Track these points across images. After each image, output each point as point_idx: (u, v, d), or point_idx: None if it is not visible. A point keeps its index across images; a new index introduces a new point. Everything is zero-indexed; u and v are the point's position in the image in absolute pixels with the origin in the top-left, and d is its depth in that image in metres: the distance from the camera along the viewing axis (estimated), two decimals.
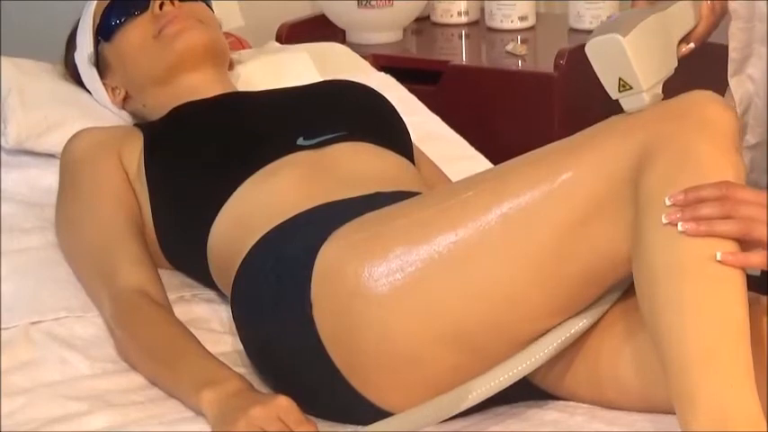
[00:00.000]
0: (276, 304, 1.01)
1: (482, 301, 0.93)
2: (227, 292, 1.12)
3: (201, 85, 1.25)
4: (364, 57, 1.57)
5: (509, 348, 0.95)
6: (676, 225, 0.86)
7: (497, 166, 0.99)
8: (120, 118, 1.32)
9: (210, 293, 1.19)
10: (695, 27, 1.02)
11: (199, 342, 1.04)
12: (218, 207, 1.14)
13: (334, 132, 1.19)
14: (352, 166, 1.15)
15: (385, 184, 1.12)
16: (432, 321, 0.94)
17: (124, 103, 1.32)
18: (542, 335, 0.95)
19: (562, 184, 0.91)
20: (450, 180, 1.28)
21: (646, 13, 0.97)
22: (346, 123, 1.21)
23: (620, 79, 0.93)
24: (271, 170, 1.14)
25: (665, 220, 0.86)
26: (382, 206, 1.01)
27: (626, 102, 0.94)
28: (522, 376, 0.94)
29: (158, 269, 1.15)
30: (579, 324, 0.95)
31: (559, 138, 0.96)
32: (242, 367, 1.06)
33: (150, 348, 1.05)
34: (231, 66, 1.36)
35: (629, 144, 0.90)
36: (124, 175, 1.20)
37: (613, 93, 0.94)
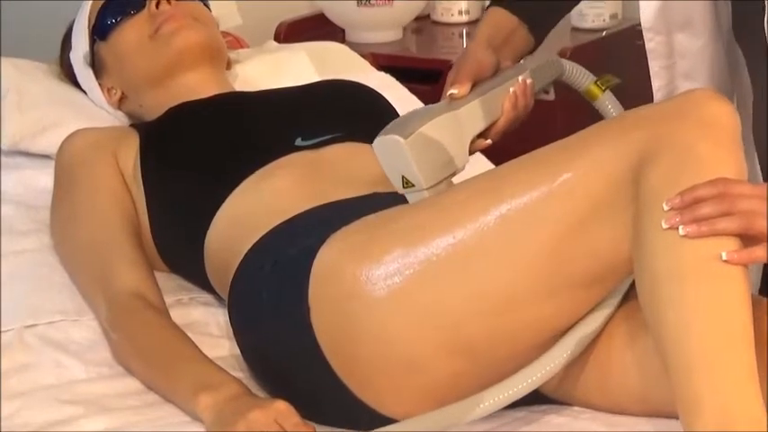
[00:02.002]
0: (273, 307, 1.02)
1: (481, 305, 0.93)
2: (225, 296, 1.12)
3: (198, 85, 1.25)
4: (363, 56, 1.58)
5: (511, 354, 0.95)
6: (677, 229, 0.86)
7: (496, 167, 0.99)
8: (116, 118, 1.33)
9: (208, 297, 1.19)
10: (496, 122, 1.04)
11: (196, 346, 1.04)
12: (215, 208, 1.14)
13: (332, 133, 1.19)
14: (351, 166, 1.16)
15: (383, 186, 1.11)
16: (430, 326, 0.94)
17: (120, 103, 1.32)
18: (544, 340, 0.95)
19: (562, 185, 0.91)
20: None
21: (438, 111, 1.00)
22: (345, 124, 1.21)
23: (402, 176, 0.97)
24: (268, 171, 1.14)
25: (665, 225, 0.86)
26: (380, 207, 1.01)
27: (410, 197, 0.99)
28: (535, 387, 0.94)
29: (155, 272, 1.15)
30: (589, 329, 0.95)
31: (562, 138, 0.96)
32: (239, 371, 1.07)
33: (147, 352, 1.05)
34: (229, 65, 1.36)
35: (630, 144, 0.90)
36: (120, 176, 1.20)
37: (398, 187, 0.99)
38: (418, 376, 0.95)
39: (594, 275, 0.93)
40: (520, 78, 1.05)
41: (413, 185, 0.98)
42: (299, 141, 1.18)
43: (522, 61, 1.09)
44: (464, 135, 1.01)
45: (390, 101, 1.29)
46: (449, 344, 0.94)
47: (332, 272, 0.97)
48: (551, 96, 1.13)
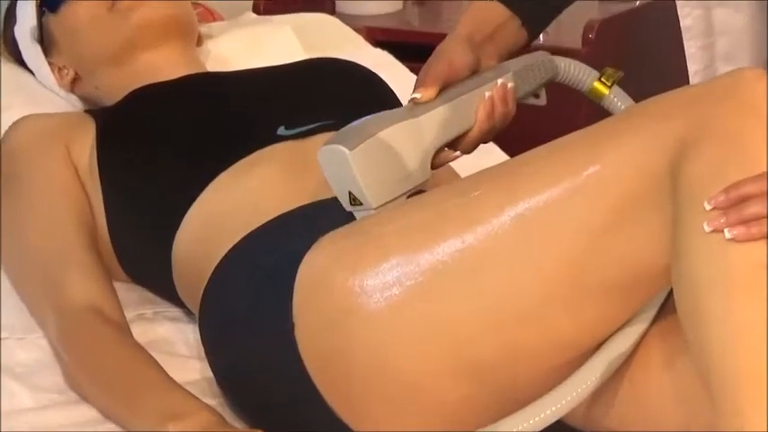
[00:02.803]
0: (252, 323, 1.02)
1: (494, 320, 0.93)
2: (195, 310, 1.12)
3: (164, 65, 1.25)
4: (357, 30, 1.58)
5: (528, 378, 0.95)
6: (722, 231, 0.86)
7: (512, 159, 0.99)
8: (69, 103, 1.33)
9: (175, 311, 1.19)
10: (468, 131, 1.03)
11: (161, 368, 1.04)
12: (183, 209, 1.14)
13: (320, 120, 1.19)
14: None
15: None
16: (435, 344, 0.94)
17: (73, 85, 1.32)
18: (567, 361, 0.95)
19: (587, 181, 0.91)
20: (457, 175, 1.29)
21: (396, 118, 0.99)
22: (335, 110, 1.21)
23: (350, 193, 0.97)
24: (246, 165, 1.15)
25: (707, 228, 0.86)
26: None
27: (358, 215, 0.98)
28: (558, 417, 0.94)
29: (113, 282, 1.15)
30: (620, 348, 0.95)
31: (587, 125, 0.96)
32: (212, 398, 1.07)
33: (104, 376, 1.05)
34: (200, 41, 1.36)
35: (666, 131, 0.90)
36: (73, 170, 1.21)
37: (346, 205, 0.99)
38: (421, 403, 0.95)
39: (626, 286, 0.93)
40: (499, 81, 1.04)
41: (360, 203, 0.97)
42: (281, 130, 1.18)
43: (506, 62, 1.07)
44: (425, 147, 1.00)
45: (388, 82, 1.29)
46: (456, 365, 0.94)
47: (320, 281, 0.97)
48: (543, 101, 1.12)
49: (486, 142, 1.06)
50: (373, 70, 1.30)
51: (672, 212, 0.89)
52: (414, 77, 1.47)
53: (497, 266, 0.93)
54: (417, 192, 1.01)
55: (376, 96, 1.26)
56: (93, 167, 1.20)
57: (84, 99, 1.33)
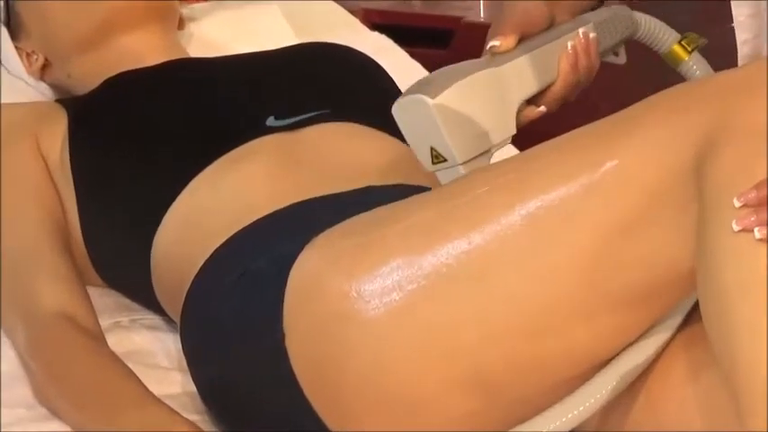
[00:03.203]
0: (239, 332, 1.01)
1: (503, 329, 0.93)
2: (176, 317, 1.12)
3: (142, 50, 1.26)
4: (353, 12, 1.58)
5: (539, 390, 0.95)
6: (752, 231, 0.86)
7: (522, 153, 0.99)
8: (38, 92, 1.33)
9: (154, 318, 1.19)
10: (551, 86, 1.03)
11: (140, 381, 1.04)
12: (164, 207, 1.14)
13: (313, 110, 1.19)
14: (337, 153, 1.16)
15: (379, 176, 1.12)
16: (438, 354, 0.94)
17: (43, 72, 1.32)
18: (581, 373, 0.95)
19: (605, 177, 0.90)
20: None
21: (475, 67, 0.99)
22: (330, 99, 1.21)
23: (431, 149, 0.96)
24: (232, 159, 1.14)
25: (736, 227, 0.85)
26: (375, 205, 1.01)
27: (441, 175, 0.98)
28: (569, 428, 0.94)
29: (87, 287, 1.15)
30: (638, 359, 0.95)
31: (606, 116, 0.96)
32: (194, 413, 1.07)
33: (77, 390, 1.05)
34: (181, 24, 1.36)
35: (691, 123, 0.89)
36: (43, 164, 1.21)
37: (427, 165, 0.98)
38: (422, 418, 0.95)
39: (647, 291, 0.93)
40: (581, 32, 1.04)
41: (444, 160, 0.96)
42: (271, 121, 1.18)
43: (585, 14, 1.08)
44: (509, 99, 1.01)
45: (387, 68, 1.29)
46: (461, 377, 0.94)
47: (313, 286, 0.97)
48: (622, 60, 1.12)
49: (569, 99, 1.06)
50: (370, 56, 1.30)
51: (697, 211, 0.89)
52: (414, 63, 1.49)
53: (506, 270, 0.92)
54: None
55: (374, 84, 1.26)
56: (65, 162, 1.20)
57: (54, 87, 1.33)
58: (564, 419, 0.94)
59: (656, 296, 0.94)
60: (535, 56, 1.02)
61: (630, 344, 0.96)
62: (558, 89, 1.05)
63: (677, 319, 0.97)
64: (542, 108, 1.04)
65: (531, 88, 1.02)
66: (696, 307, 0.95)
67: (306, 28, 1.45)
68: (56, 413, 1.06)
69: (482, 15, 1.66)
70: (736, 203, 0.86)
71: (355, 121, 1.20)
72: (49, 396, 1.07)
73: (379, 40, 1.50)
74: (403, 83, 1.28)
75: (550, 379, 0.94)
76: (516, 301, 0.92)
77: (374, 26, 1.56)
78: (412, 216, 0.96)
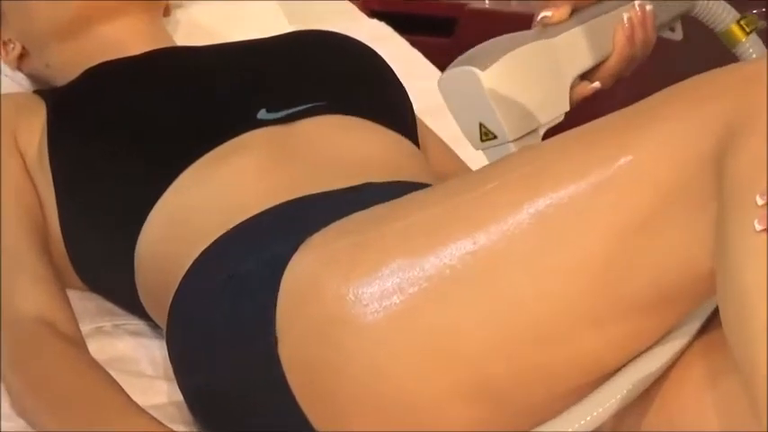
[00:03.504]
0: (229, 338, 1.01)
1: (510, 335, 0.93)
2: (162, 322, 1.12)
3: (125, 38, 1.26)
4: None
5: (547, 399, 0.95)
6: None
7: (531, 147, 0.99)
8: (15, 82, 1.33)
9: (139, 324, 1.19)
10: (606, 60, 1.03)
11: (123, 391, 1.04)
12: (148, 205, 1.14)
13: (308, 102, 1.19)
14: (333, 147, 1.16)
15: (377, 173, 1.12)
16: (441, 361, 0.93)
17: (20, 62, 1.32)
18: (592, 381, 0.95)
19: (618, 173, 0.90)
20: (466, 167, 1.28)
21: (527, 39, 0.99)
22: (325, 90, 1.21)
23: (480, 125, 0.96)
24: (221, 154, 1.14)
25: (758, 227, 0.85)
26: (373, 202, 1.01)
27: (489, 153, 0.98)
28: None
29: (67, 290, 1.15)
30: (651, 366, 0.95)
31: (622, 108, 0.95)
32: (181, 425, 1.07)
33: (57, 400, 1.05)
34: (167, 11, 1.36)
35: (712, 116, 0.89)
36: (21, 161, 1.21)
37: (475, 143, 0.98)
38: (422, 428, 0.95)
39: (662, 296, 0.93)
40: (637, 4, 1.04)
41: (493, 137, 0.96)
42: (263, 114, 1.18)
43: None
44: (562, 73, 1.01)
45: (386, 58, 1.29)
46: (465, 386, 0.94)
47: (308, 289, 0.96)
48: (678, 35, 1.13)
49: (624, 75, 1.06)
50: (369, 44, 1.30)
51: (716, 209, 0.89)
52: (416, 53, 1.49)
53: (513, 272, 0.92)
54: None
55: (372, 74, 1.26)
56: (44, 157, 1.20)
57: (32, 78, 1.33)
58: (570, 431, 0.93)
59: (673, 301, 0.93)
60: (589, 28, 1.02)
61: (644, 351, 0.96)
62: (613, 64, 1.05)
63: (695, 325, 0.97)
64: (596, 84, 1.05)
65: (585, 62, 1.03)
66: (716, 311, 0.95)
67: (300, 15, 1.45)
68: (34, 425, 1.06)
69: (487, 2, 1.67)
70: (759, 201, 0.86)
71: (353, 114, 1.20)
72: (26, 407, 1.07)
73: (378, 27, 1.50)
74: (403, 73, 1.28)
75: (558, 388, 0.94)
76: (523, 306, 0.92)
77: (373, 13, 1.56)
78: (413, 214, 0.96)
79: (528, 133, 0.97)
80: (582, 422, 0.94)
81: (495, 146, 0.97)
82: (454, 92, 0.97)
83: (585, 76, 1.04)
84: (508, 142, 0.96)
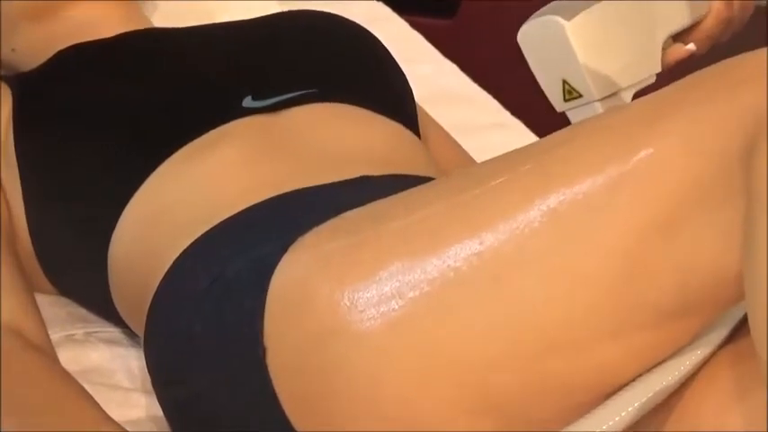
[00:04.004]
0: (212, 347, 1.01)
1: (519, 342, 0.93)
2: (139, 330, 1.12)
3: (98, 20, 1.26)
4: None
5: (557, 414, 0.95)
6: None
7: (543, 138, 0.99)
8: None
9: (113, 331, 1.20)
10: (700, 22, 1.04)
11: (97, 404, 1.04)
12: (124, 199, 1.14)
13: (298, 89, 1.20)
14: (326, 138, 1.16)
15: (374, 165, 1.12)
16: (443, 371, 0.94)
17: None
18: (606, 395, 0.95)
19: (638, 167, 0.90)
20: (471, 159, 1.29)
21: None
22: (317, 76, 1.21)
23: (564, 82, 0.97)
24: (203, 144, 1.15)
25: None
26: (370, 198, 1.01)
27: (573, 114, 0.98)
28: None
29: (35, 295, 1.15)
30: (668, 377, 0.95)
31: (637, 97, 0.95)
32: None
33: (25, 414, 1.04)
34: None
35: (739, 104, 0.89)
36: None
37: (557, 102, 0.98)
38: None
39: (686, 301, 0.93)
40: None
41: (578, 95, 0.97)
42: (248, 101, 1.18)
43: None
44: (654, 31, 1.01)
45: (383, 40, 1.29)
46: (470, 398, 0.94)
47: (299, 295, 0.97)
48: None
49: (720, 40, 1.06)
50: (365, 26, 1.30)
51: (744, 206, 0.89)
52: (415, 34, 1.49)
53: (523, 275, 0.92)
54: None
55: (369, 58, 1.26)
56: (10, 149, 1.20)
57: None
58: None
59: (697, 307, 0.93)
60: None
61: (665, 359, 0.96)
62: (709, 25, 1.05)
63: (721, 333, 0.97)
64: (691, 46, 1.05)
65: (680, 21, 1.03)
66: (745, 319, 0.95)
67: None
68: None
69: None
70: None
71: (347, 102, 1.20)
72: None
73: (375, 7, 1.50)
74: (402, 57, 1.28)
75: (570, 400, 0.95)
76: (534, 311, 0.92)
77: None
78: (414, 212, 0.96)
79: (616, 93, 0.97)
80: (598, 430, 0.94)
81: (579, 105, 0.97)
82: (536, 45, 0.97)
83: (679, 37, 1.04)
84: (594, 101, 0.96)
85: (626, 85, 0.98)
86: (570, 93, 0.97)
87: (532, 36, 0.97)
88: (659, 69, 1.01)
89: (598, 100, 0.96)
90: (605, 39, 0.96)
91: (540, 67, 0.98)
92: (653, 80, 1.00)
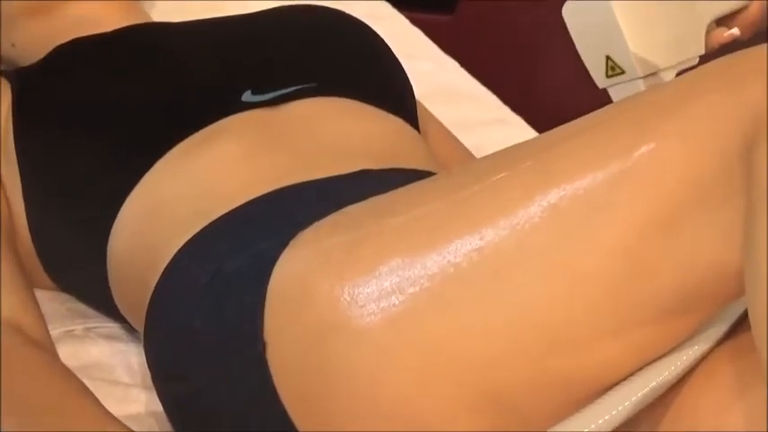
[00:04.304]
0: (212, 342, 1.01)
1: (520, 338, 0.93)
2: (139, 325, 1.12)
3: (97, 14, 1.26)
4: None
5: (557, 410, 0.95)
6: None
7: (542, 134, 0.99)
8: None
9: (113, 327, 1.20)
10: (746, 7, 1.04)
11: (96, 400, 1.04)
12: (122, 196, 1.14)
13: (298, 83, 1.20)
14: (325, 132, 1.16)
15: (374, 159, 1.12)
16: (444, 367, 0.94)
17: None
18: (605, 388, 0.95)
19: (639, 164, 0.90)
20: (471, 155, 1.28)
21: None
22: (317, 70, 1.21)
23: (607, 58, 0.96)
24: (202, 139, 1.15)
25: None
26: (370, 193, 1.01)
27: (614, 91, 0.98)
28: None
29: (35, 291, 1.15)
30: (666, 372, 0.95)
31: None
32: None
33: (25, 411, 1.04)
34: None
35: (742, 100, 0.89)
36: None
37: (599, 78, 0.98)
38: None
39: (686, 297, 0.93)
40: None
41: (621, 72, 0.97)
42: (247, 96, 1.18)
43: None
44: (698, 11, 1.01)
45: (384, 37, 1.29)
46: (471, 394, 0.94)
47: (299, 290, 0.96)
48: None
49: (763, 27, 1.06)
50: (366, 22, 1.30)
51: (744, 204, 0.89)
52: (415, 30, 1.49)
53: (524, 270, 0.92)
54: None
55: (368, 53, 1.26)
56: (9, 144, 1.20)
57: None
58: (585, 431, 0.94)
59: (697, 303, 0.93)
60: None
61: (664, 354, 0.96)
62: (754, 11, 1.05)
63: (721, 328, 0.97)
64: (735, 30, 1.05)
65: (726, 5, 1.03)
66: (745, 314, 0.95)
67: None
68: None
69: None
70: None
71: (347, 97, 1.20)
72: None
73: (376, 4, 1.50)
74: (402, 53, 1.28)
75: (571, 396, 0.95)
76: (534, 308, 0.92)
77: None
78: (414, 208, 0.96)
79: (659, 71, 0.97)
80: (592, 426, 0.94)
81: (622, 82, 0.97)
82: (581, 20, 0.97)
83: (723, 21, 1.04)
84: (637, 78, 0.97)
85: (669, 65, 0.98)
86: (613, 69, 0.97)
87: (577, 12, 0.98)
88: (703, 51, 1.01)
89: (641, 77, 0.97)
90: (651, 17, 0.97)
91: (584, 43, 0.98)
92: (695, 62, 1.01)
